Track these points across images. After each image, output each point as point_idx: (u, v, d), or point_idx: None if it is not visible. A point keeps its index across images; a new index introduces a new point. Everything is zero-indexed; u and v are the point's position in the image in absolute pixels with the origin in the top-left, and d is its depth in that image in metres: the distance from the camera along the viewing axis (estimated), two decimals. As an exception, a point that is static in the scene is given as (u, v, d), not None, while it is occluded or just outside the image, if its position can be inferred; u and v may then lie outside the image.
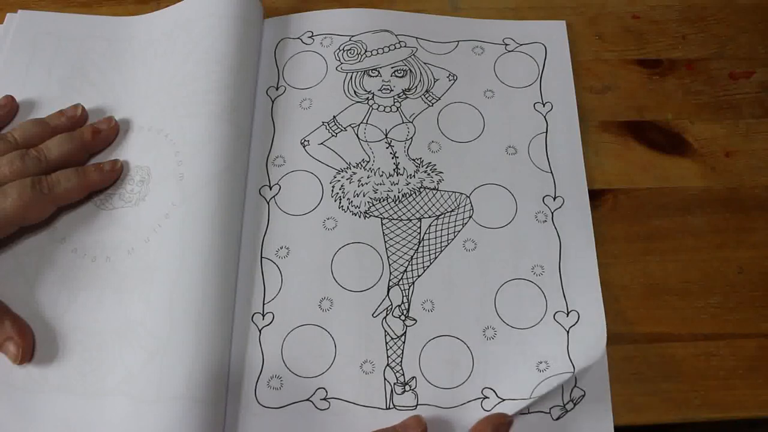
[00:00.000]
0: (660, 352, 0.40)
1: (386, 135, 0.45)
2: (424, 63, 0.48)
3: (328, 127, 0.45)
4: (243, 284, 0.40)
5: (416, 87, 0.47)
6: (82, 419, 0.36)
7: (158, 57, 0.47)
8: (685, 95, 0.48)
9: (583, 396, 0.38)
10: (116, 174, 0.42)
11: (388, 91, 0.47)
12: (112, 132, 0.44)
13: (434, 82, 0.47)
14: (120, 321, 0.38)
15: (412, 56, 0.48)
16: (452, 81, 0.47)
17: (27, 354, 0.37)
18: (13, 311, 0.38)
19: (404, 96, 0.46)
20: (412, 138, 0.45)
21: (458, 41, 0.49)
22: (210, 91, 0.43)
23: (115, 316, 0.38)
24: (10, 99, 0.45)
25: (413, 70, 0.47)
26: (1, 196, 0.37)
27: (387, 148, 0.44)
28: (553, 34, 0.49)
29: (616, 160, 0.45)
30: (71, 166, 0.41)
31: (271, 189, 0.43)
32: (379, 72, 0.47)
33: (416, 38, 0.49)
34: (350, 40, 0.48)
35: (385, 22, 0.49)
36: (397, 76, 0.47)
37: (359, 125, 0.45)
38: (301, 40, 0.49)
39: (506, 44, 0.49)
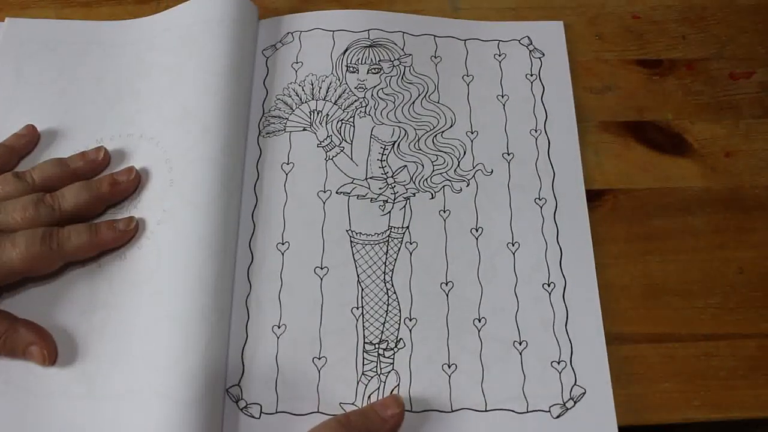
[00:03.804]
0: (660, 352, 0.40)
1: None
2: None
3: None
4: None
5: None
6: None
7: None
8: (685, 95, 0.48)
9: (584, 394, 0.38)
10: (131, 234, 0.40)
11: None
12: (131, 184, 0.41)
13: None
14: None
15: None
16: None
17: (52, 356, 0.37)
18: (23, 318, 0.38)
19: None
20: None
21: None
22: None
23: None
24: (31, 129, 0.43)
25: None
26: (10, 245, 0.36)
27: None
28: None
29: (615, 160, 0.45)
30: (86, 216, 0.40)
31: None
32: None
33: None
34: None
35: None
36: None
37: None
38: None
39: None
